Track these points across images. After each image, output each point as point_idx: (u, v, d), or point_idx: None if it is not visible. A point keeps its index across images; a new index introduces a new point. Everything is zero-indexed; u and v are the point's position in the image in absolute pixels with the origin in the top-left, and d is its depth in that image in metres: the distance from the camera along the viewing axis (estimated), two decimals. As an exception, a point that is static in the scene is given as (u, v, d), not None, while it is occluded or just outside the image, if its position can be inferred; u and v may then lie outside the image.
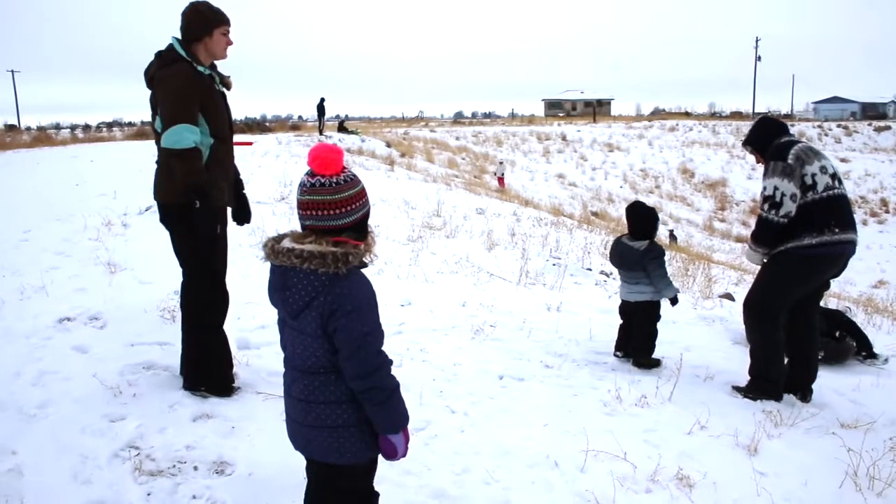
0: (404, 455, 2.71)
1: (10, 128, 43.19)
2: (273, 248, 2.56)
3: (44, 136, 34.85)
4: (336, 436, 2.63)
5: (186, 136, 4.01)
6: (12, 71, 69.87)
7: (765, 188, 4.91)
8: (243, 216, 4.75)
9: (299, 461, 3.66)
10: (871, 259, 26.32)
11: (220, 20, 4.25)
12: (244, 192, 4.78)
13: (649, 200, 30.91)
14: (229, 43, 4.32)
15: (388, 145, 34.90)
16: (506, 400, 4.74)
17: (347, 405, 2.61)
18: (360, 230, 2.63)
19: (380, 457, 2.74)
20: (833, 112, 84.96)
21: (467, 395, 4.77)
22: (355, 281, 2.55)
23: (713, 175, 41.68)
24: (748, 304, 5.16)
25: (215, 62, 4.40)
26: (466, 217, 13.00)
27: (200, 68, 4.17)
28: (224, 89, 4.41)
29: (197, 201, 4.07)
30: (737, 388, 5.14)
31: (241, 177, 4.78)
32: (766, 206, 4.87)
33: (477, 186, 25.23)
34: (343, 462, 2.67)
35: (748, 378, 5.12)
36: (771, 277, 5.00)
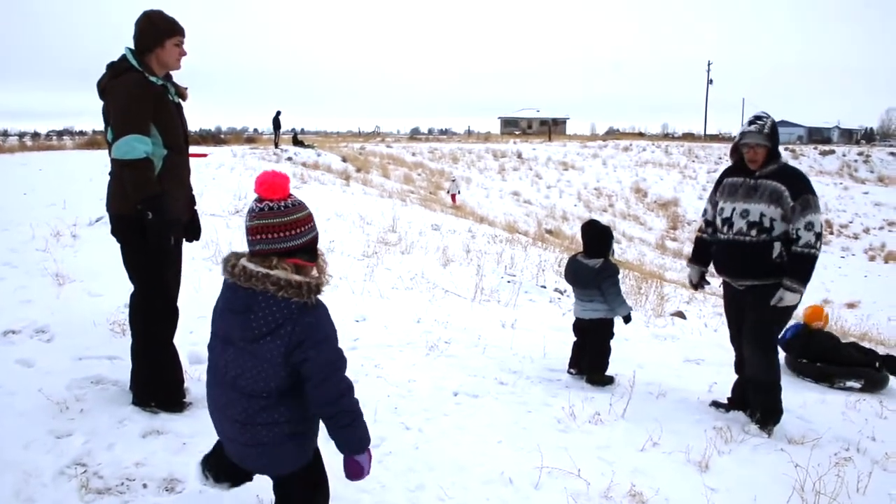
0: (368, 473, 2.78)
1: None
2: (244, 271, 2.55)
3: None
4: (273, 453, 2.69)
5: (137, 146, 3.95)
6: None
7: (811, 224, 4.71)
8: (193, 232, 4.68)
9: (253, 476, 3.62)
10: (815, 279, 26.37)
11: (172, 30, 4.18)
12: (195, 207, 4.71)
13: (603, 219, 31.25)
14: (182, 53, 4.24)
15: (344, 160, 34.78)
16: (460, 417, 4.74)
17: (285, 425, 2.65)
18: (310, 252, 2.67)
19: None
20: (781, 136, 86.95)
21: (422, 411, 4.75)
22: (322, 310, 2.61)
23: (665, 195, 42.39)
24: (764, 344, 4.93)
25: (170, 72, 4.35)
26: (422, 233, 13.02)
27: (153, 78, 4.12)
28: (179, 100, 4.36)
29: (149, 213, 4.00)
30: (759, 426, 4.88)
31: (194, 191, 4.72)
32: (817, 244, 4.74)
33: (432, 203, 25.28)
34: (283, 472, 2.76)
35: (759, 412, 4.93)
36: (781, 312, 4.83)
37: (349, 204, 16.46)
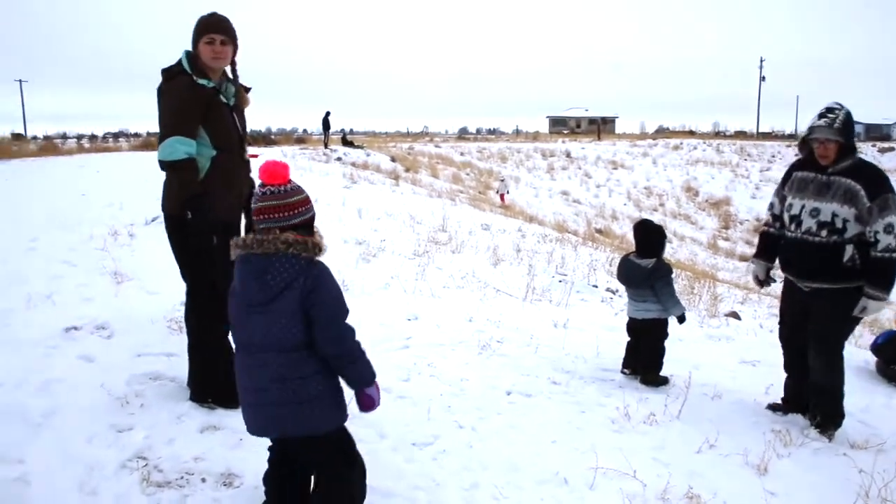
0: (379, 404, 3.17)
1: (17, 137, 43.32)
2: (256, 239, 2.93)
3: (50, 146, 34.90)
4: (311, 408, 2.98)
5: (178, 147, 4.02)
6: (20, 80, 70.23)
7: (891, 226, 4.39)
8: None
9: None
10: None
11: (203, 29, 4.19)
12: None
13: (653, 218, 30.90)
14: (215, 52, 4.20)
15: (393, 160, 34.94)
16: (514, 416, 4.73)
17: (318, 377, 2.99)
18: (308, 228, 3.06)
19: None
20: None
21: (475, 410, 4.75)
22: (326, 268, 3.02)
23: (717, 194, 41.72)
24: (831, 350, 4.73)
25: (237, 74, 4.39)
26: (472, 232, 13.01)
27: (202, 81, 4.16)
28: (229, 101, 4.36)
29: (189, 213, 4.07)
30: (819, 431, 4.74)
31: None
32: None
33: (482, 202, 25.26)
34: (319, 432, 3.03)
35: (820, 415, 4.77)
36: (852, 318, 4.62)
37: (399, 203, 16.52)
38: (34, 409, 4.17)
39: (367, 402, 3.13)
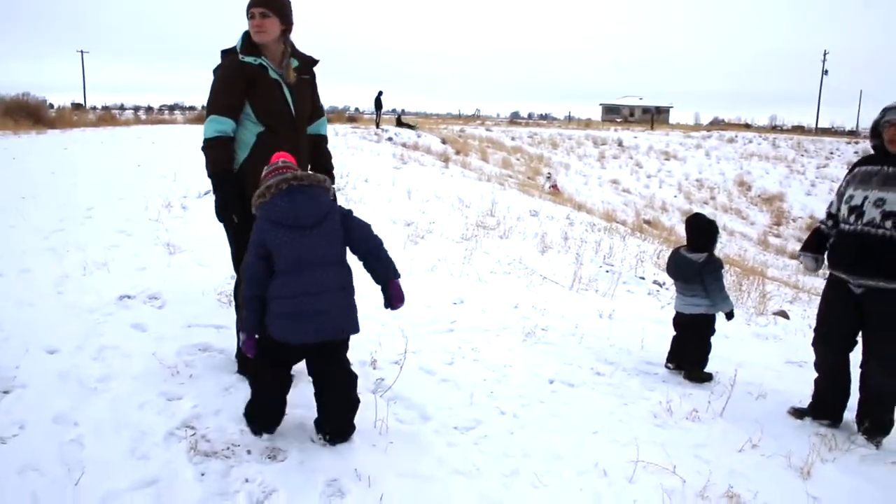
0: (405, 300, 3.90)
1: (77, 107, 44.21)
2: (304, 174, 3.68)
3: (108, 116, 35.65)
4: (355, 313, 3.74)
5: (209, 126, 4.13)
6: (81, 51, 71.50)
7: None
8: None
9: (350, 452, 3.72)
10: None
11: (248, 6, 4.24)
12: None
13: (704, 211, 30.51)
14: (255, 26, 4.22)
15: (444, 142, 34.96)
16: (556, 404, 4.74)
17: (353, 289, 3.76)
18: None
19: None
20: None
21: (518, 397, 4.77)
22: None
23: (771, 189, 40.94)
24: (892, 353, 4.50)
25: (287, 47, 4.38)
26: (520, 218, 12.98)
27: (249, 59, 4.20)
28: (279, 76, 4.34)
29: (212, 189, 4.19)
30: (867, 437, 4.62)
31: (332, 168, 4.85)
32: None
33: (530, 188, 25.16)
34: (355, 333, 3.77)
35: (868, 422, 4.63)
36: None
37: (448, 186, 16.55)
38: (90, 375, 4.31)
39: (397, 294, 3.82)
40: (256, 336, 3.70)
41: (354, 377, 3.89)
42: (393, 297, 3.82)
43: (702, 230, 5.56)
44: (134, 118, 38.07)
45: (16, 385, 4.09)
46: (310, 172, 3.71)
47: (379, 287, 3.86)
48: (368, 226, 3.86)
